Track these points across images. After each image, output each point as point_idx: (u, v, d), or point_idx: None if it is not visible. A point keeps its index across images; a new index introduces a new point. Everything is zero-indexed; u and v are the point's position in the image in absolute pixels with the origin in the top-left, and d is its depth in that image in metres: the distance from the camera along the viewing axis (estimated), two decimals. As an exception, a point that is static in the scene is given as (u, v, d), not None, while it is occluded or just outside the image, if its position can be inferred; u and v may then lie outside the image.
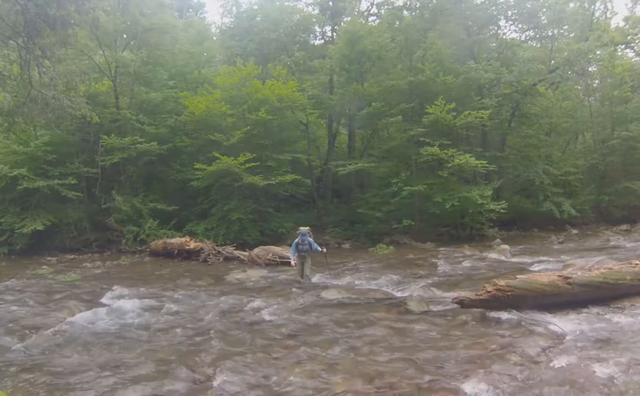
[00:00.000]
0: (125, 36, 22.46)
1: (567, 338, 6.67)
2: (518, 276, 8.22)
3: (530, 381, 5.31)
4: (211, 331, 7.69)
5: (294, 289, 11.15)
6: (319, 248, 12.13)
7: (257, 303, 9.63)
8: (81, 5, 10.79)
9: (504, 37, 26.70)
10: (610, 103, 27.47)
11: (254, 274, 13.60)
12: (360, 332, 7.45)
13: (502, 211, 19.94)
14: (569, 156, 28.57)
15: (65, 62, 14.00)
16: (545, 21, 26.44)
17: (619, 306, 7.89)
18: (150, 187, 21.70)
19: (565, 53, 24.06)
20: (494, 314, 7.77)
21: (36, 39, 10.55)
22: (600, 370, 5.49)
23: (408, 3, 26.64)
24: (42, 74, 11.38)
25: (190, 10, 40.56)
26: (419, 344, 6.76)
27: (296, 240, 12.03)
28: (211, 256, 16.55)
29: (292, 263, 12.12)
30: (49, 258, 17.60)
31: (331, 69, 24.17)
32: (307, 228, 12.59)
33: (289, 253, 12.52)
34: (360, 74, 23.39)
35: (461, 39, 24.69)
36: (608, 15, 29.70)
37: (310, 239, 11.99)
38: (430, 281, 11.60)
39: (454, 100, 20.53)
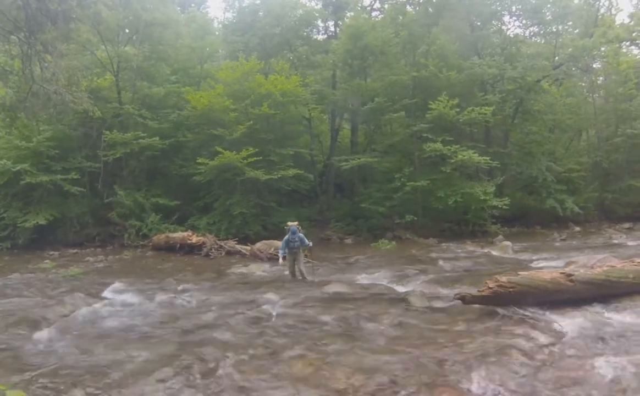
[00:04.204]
0: (127, 31, 22.49)
1: (569, 335, 6.64)
2: (520, 273, 8.17)
3: (532, 379, 5.30)
4: (213, 325, 7.70)
5: (295, 283, 11.15)
6: (310, 243, 11.79)
7: (258, 297, 9.62)
8: (83, 0, 10.79)
9: (508, 32, 26.62)
10: (615, 100, 27.31)
11: (256, 269, 13.61)
12: (361, 327, 7.43)
13: (504, 207, 19.96)
14: (573, 153, 28.48)
15: (67, 57, 14.01)
16: (550, 17, 26.31)
17: (621, 304, 7.85)
18: (153, 182, 21.76)
19: (570, 49, 23.98)
20: (495, 310, 7.75)
21: (38, 33, 10.57)
22: (602, 368, 5.47)
23: (411, -2, 26.54)
24: (44, 69, 11.41)
25: (193, 5, 40.45)
26: (420, 340, 6.75)
27: (286, 237, 11.52)
28: (213, 250, 16.56)
29: (281, 260, 11.76)
30: (51, 253, 17.65)
31: (334, 64, 24.12)
32: (296, 222, 12.14)
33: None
34: (363, 69, 23.35)
35: (465, 35, 24.63)
36: (613, 11, 29.49)
37: (301, 235, 11.60)
38: (432, 277, 11.56)
39: (457, 96, 20.53)
